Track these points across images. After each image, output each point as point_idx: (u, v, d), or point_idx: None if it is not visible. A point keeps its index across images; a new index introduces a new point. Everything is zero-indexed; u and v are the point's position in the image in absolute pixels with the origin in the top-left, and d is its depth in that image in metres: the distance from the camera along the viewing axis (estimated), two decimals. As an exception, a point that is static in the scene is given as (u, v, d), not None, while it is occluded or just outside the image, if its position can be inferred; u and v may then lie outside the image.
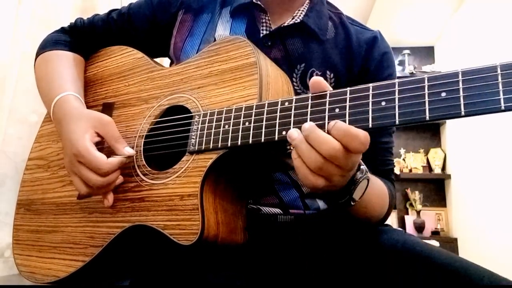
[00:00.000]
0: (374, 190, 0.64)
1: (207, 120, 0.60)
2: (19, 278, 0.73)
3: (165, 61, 1.22)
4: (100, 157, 0.61)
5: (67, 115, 0.69)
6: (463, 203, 3.13)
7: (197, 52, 0.77)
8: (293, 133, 0.49)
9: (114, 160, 0.62)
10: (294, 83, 0.73)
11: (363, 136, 0.45)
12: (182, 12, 0.83)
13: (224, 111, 0.58)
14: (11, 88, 1.01)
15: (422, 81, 0.44)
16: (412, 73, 3.52)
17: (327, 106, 0.49)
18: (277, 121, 0.52)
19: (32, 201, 0.77)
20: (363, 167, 0.54)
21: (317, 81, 0.51)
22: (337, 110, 0.48)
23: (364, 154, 0.49)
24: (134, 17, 0.85)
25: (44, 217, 0.73)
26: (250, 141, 0.54)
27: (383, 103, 0.45)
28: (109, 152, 0.65)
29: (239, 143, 0.55)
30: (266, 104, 0.54)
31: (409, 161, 3.54)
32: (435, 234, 3.29)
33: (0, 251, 0.95)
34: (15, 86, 1.01)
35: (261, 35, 0.76)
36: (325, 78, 0.74)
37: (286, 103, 0.52)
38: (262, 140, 0.53)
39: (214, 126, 0.58)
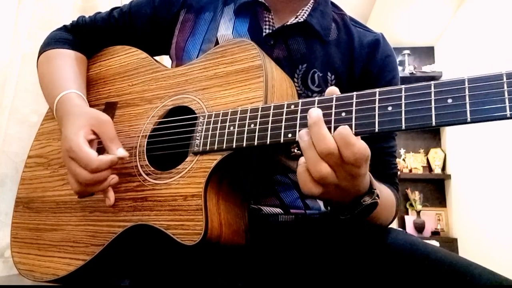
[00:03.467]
0: (382, 206, 0.63)
1: (212, 121, 0.60)
2: (19, 278, 0.72)
3: (165, 59, 1.22)
4: (90, 153, 0.60)
5: (68, 112, 0.69)
6: (463, 203, 3.13)
7: (199, 52, 0.77)
8: (303, 134, 0.50)
9: (104, 158, 0.61)
10: (295, 84, 0.73)
11: (357, 147, 0.46)
12: (184, 12, 0.82)
13: (229, 112, 0.58)
14: (12, 88, 1.01)
15: (429, 87, 0.44)
16: (412, 73, 3.52)
17: (333, 110, 0.49)
18: (283, 123, 0.52)
19: (31, 199, 0.76)
20: (376, 191, 0.54)
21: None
22: (343, 114, 0.49)
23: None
24: (135, 15, 0.84)
25: (44, 215, 0.73)
26: (256, 143, 0.54)
27: (390, 108, 0.46)
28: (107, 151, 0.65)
29: (244, 144, 0.55)
30: (272, 107, 0.54)
31: (409, 161, 3.55)
32: (435, 234, 3.29)
33: (0, 251, 0.95)
34: (15, 86, 1.01)
35: (264, 34, 0.76)
36: (326, 80, 0.74)
37: (292, 106, 0.53)
38: (268, 142, 0.53)
39: (219, 127, 0.58)
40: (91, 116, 0.67)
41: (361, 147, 0.46)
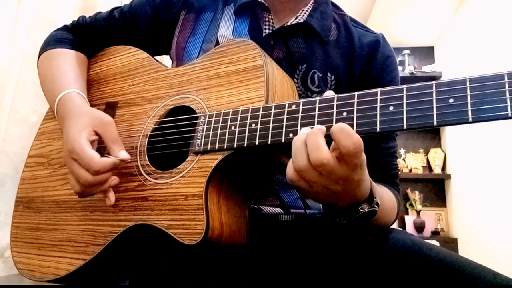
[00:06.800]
0: (383, 211, 0.63)
1: (213, 121, 0.60)
2: (19, 278, 0.72)
3: (165, 59, 1.22)
4: (93, 155, 0.60)
5: (70, 112, 0.69)
6: (463, 203, 3.13)
7: (199, 52, 0.77)
8: (302, 131, 0.50)
9: (107, 160, 0.61)
10: (295, 84, 0.73)
11: (356, 137, 0.45)
12: (185, 12, 0.82)
13: (231, 112, 0.58)
14: (12, 88, 1.01)
15: (430, 87, 0.45)
16: (412, 73, 3.51)
17: (334, 110, 0.49)
18: (284, 123, 0.52)
19: (31, 198, 0.76)
20: (376, 199, 0.54)
21: None
22: (344, 113, 0.49)
23: (370, 159, 0.49)
24: (135, 15, 0.85)
25: (44, 215, 0.73)
26: (257, 143, 0.54)
27: (391, 108, 0.46)
28: (109, 152, 0.65)
29: (245, 144, 0.55)
30: (273, 107, 0.54)
31: (409, 161, 3.54)
32: (435, 234, 3.29)
33: (0, 251, 0.95)
34: (15, 86, 1.01)
35: (264, 34, 0.76)
36: (326, 80, 0.74)
37: (294, 106, 0.53)
38: (269, 141, 0.53)
39: (220, 127, 0.58)
40: (94, 116, 0.66)
41: (359, 138, 0.46)
